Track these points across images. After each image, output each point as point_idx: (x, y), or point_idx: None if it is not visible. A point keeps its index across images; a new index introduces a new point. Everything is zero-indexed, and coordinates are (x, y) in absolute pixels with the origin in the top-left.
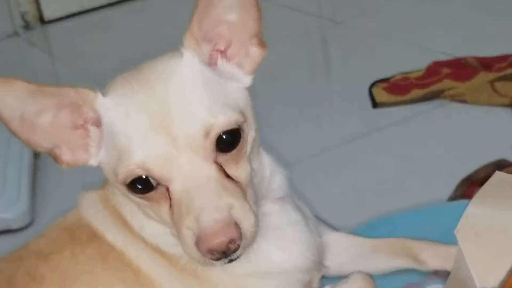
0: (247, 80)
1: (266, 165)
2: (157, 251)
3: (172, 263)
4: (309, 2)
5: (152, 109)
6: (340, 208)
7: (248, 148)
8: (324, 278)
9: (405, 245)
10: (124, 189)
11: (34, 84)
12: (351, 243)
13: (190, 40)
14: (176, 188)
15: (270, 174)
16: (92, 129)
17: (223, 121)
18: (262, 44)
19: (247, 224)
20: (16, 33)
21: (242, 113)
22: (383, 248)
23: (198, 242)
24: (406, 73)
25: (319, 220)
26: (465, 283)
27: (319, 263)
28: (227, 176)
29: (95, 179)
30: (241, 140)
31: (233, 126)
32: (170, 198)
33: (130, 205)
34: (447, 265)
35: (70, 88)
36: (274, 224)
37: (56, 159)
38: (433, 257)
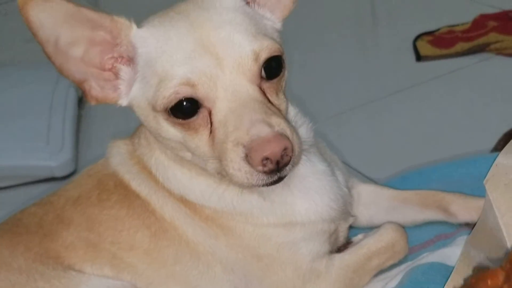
0: (279, 25)
1: (291, 117)
2: (181, 200)
3: (196, 212)
4: None
5: (195, 34)
6: (378, 160)
7: (284, 83)
8: (355, 229)
9: (436, 197)
10: (164, 116)
11: (72, 4)
12: (382, 194)
13: None
14: (221, 107)
15: (295, 125)
16: (124, 69)
17: (270, 47)
18: None
19: (296, 139)
20: None
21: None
22: (414, 200)
23: (250, 154)
24: (452, 26)
25: (351, 172)
26: (491, 233)
27: (345, 212)
28: (269, 102)
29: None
30: (283, 69)
31: (278, 53)
32: (211, 123)
33: (156, 155)
34: (477, 218)
35: (107, 16)
36: (299, 174)
37: (85, 93)
38: (464, 209)
